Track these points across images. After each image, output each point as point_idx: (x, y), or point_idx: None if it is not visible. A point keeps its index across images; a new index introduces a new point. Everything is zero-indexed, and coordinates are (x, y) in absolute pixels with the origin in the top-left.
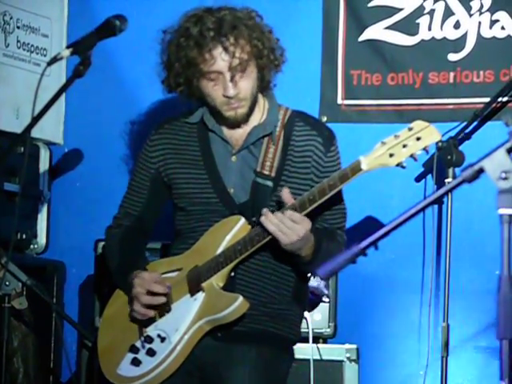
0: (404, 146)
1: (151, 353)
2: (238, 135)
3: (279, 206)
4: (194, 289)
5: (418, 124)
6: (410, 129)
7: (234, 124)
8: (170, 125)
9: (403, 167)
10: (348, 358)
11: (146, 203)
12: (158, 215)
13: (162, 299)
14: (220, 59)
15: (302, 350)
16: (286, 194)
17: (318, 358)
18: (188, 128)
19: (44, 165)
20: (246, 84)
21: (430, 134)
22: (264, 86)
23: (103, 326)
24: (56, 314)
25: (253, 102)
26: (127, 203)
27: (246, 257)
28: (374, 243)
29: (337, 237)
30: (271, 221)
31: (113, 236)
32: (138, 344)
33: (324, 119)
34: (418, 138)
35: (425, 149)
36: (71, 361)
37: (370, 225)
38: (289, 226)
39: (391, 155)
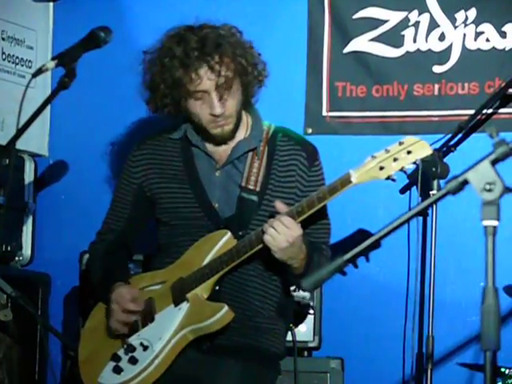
0: (395, 160)
1: (133, 361)
2: (221, 150)
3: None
4: (178, 299)
5: (408, 139)
6: (401, 143)
7: (221, 141)
8: (153, 140)
9: (393, 180)
10: (333, 370)
11: (129, 218)
12: (141, 230)
13: (136, 317)
14: (206, 78)
15: (287, 362)
16: (279, 205)
17: (303, 369)
18: (171, 143)
19: (29, 176)
20: (232, 101)
21: (421, 148)
22: (247, 102)
23: (84, 337)
24: (41, 325)
25: (238, 119)
26: (110, 219)
27: (231, 269)
28: (358, 255)
29: (323, 251)
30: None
31: (96, 251)
32: (120, 353)
33: (309, 131)
34: (409, 152)
35: (415, 163)
36: (56, 372)
37: (355, 236)
38: (279, 230)
39: (381, 168)
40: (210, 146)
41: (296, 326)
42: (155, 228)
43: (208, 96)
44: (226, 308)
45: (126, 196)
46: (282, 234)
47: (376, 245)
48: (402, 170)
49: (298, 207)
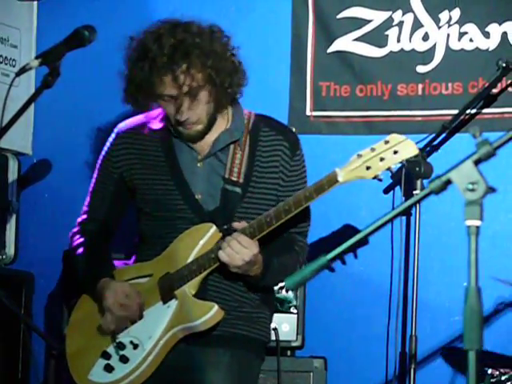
0: (381, 160)
1: (124, 359)
2: (203, 141)
3: (229, 232)
4: (166, 296)
5: (394, 137)
6: (387, 142)
7: (190, 141)
8: (133, 129)
9: (380, 180)
10: (316, 369)
11: (110, 207)
12: (122, 217)
13: (135, 311)
14: (170, 86)
15: (271, 361)
16: (237, 224)
17: (286, 369)
18: (152, 133)
19: (13, 175)
20: (199, 109)
21: (407, 148)
22: (221, 106)
23: (71, 330)
24: (24, 324)
25: (210, 121)
26: (91, 207)
27: (219, 265)
28: (342, 254)
29: (294, 246)
30: (221, 244)
31: (79, 243)
32: (110, 350)
33: (293, 130)
34: (396, 152)
35: (401, 162)
36: (39, 371)
37: (338, 236)
38: (236, 250)
39: (368, 168)
40: None
41: None
42: (136, 219)
43: (173, 100)
44: (216, 307)
45: (106, 185)
46: (240, 253)
47: (363, 241)
48: (388, 169)
49: (285, 205)
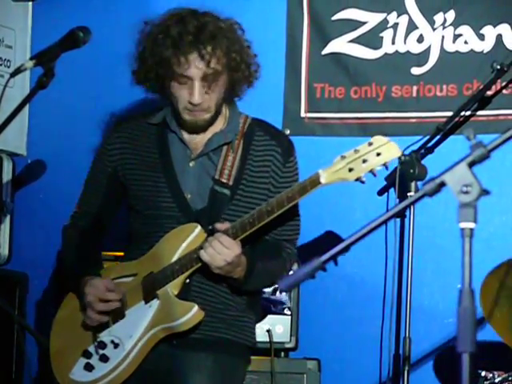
0: (364, 161)
1: (104, 359)
2: (197, 140)
3: (212, 232)
4: (148, 296)
5: (377, 139)
6: (370, 144)
7: (193, 129)
8: (129, 123)
9: (362, 182)
10: (309, 371)
11: (103, 202)
12: (115, 212)
13: (116, 304)
14: (194, 66)
15: (264, 363)
16: (218, 225)
17: (280, 370)
18: (148, 128)
19: (7, 176)
20: (214, 95)
21: (390, 150)
22: (231, 98)
23: (55, 328)
24: (18, 324)
25: (217, 112)
26: (83, 202)
27: (202, 265)
28: (336, 256)
29: (281, 252)
30: (203, 244)
31: (70, 238)
32: (91, 349)
33: (287, 132)
34: (378, 154)
35: (384, 165)
36: (32, 370)
37: (332, 238)
38: (218, 251)
39: (350, 170)
40: (186, 135)
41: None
42: (127, 217)
43: (191, 83)
44: (195, 308)
45: (101, 179)
46: (222, 253)
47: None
48: (371, 171)
49: (267, 206)
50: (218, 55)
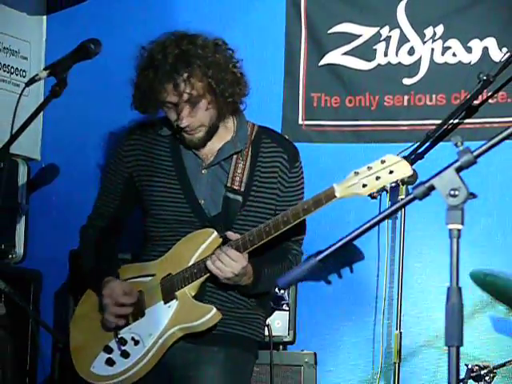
0: (377, 178)
1: (125, 355)
2: (207, 150)
3: (225, 239)
4: (167, 296)
5: (390, 158)
6: (383, 161)
7: (191, 146)
8: (144, 132)
9: (375, 198)
10: (306, 363)
11: (120, 204)
12: (130, 214)
13: (129, 310)
14: (171, 93)
15: (264, 355)
16: (230, 236)
17: (279, 362)
18: (160, 139)
19: (22, 179)
20: (198, 116)
21: (402, 168)
22: (222, 115)
23: (75, 324)
24: (32, 319)
25: (211, 129)
26: (101, 204)
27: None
28: (331, 255)
29: (288, 255)
30: (210, 258)
31: (88, 237)
32: (112, 345)
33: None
34: (391, 172)
35: (396, 182)
36: (46, 363)
37: (328, 238)
38: (225, 263)
39: (364, 185)
40: None
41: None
42: (141, 219)
43: (176, 108)
44: (214, 310)
45: (117, 183)
46: (229, 266)
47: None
48: (383, 187)
49: (283, 216)
50: (193, 82)
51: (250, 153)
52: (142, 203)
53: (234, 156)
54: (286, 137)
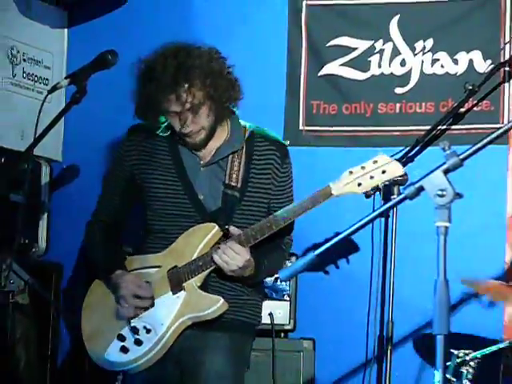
0: (371, 177)
1: (138, 342)
2: (205, 149)
3: (225, 237)
4: (176, 287)
5: (382, 158)
6: (375, 161)
7: (194, 149)
8: (143, 132)
9: (369, 196)
10: (305, 349)
11: (122, 201)
12: (131, 209)
13: (148, 303)
14: (174, 103)
15: (266, 342)
16: (233, 231)
17: (280, 349)
18: (159, 139)
19: (45, 179)
20: (200, 121)
21: (394, 168)
22: (220, 118)
23: (86, 312)
24: (53, 308)
25: (211, 131)
26: (105, 200)
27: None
28: (328, 250)
29: (281, 245)
30: (216, 252)
31: (95, 232)
32: (125, 333)
33: (287, 143)
34: (383, 171)
35: (388, 181)
36: (64, 348)
37: (325, 235)
38: (230, 257)
39: (359, 184)
40: None
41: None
42: (143, 213)
43: (178, 115)
44: (221, 301)
45: (120, 181)
46: (234, 259)
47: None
48: (376, 186)
49: (283, 213)
50: (194, 91)
51: (244, 150)
52: (144, 198)
53: (230, 155)
54: (286, 142)
